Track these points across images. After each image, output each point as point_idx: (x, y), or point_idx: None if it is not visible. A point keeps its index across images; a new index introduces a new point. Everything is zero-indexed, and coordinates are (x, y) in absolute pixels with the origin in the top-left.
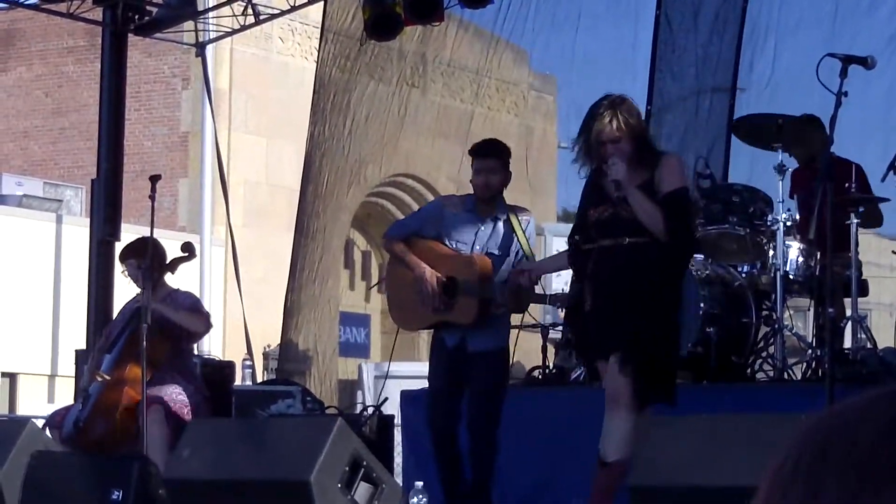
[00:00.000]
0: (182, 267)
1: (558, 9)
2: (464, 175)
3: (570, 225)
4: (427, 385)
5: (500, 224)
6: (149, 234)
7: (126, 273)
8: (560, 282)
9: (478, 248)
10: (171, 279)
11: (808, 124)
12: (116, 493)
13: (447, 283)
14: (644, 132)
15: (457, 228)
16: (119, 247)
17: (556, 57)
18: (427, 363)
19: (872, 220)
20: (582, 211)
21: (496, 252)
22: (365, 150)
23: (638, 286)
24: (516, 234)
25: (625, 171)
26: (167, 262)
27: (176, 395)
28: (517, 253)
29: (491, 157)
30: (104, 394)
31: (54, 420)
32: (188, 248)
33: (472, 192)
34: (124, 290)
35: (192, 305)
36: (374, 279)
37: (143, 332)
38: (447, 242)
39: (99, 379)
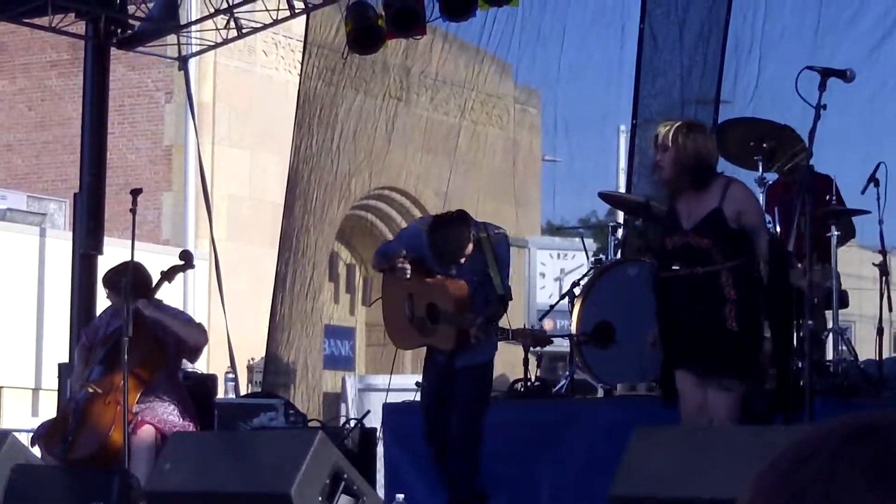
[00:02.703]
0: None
1: (543, 23)
2: (451, 190)
3: (555, 238)
4: (408, 399)
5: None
6: (131, 248)
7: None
8: (544, 294)
9: (454, 271)
10: (167, 289)
11: (786, 131)
12: None
13: (429, 308)
14: (704, 159)
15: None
16: (101, 261)
17: (541, 71)
18: (410, 376)
19: (847, 233)
20: (661, 238)
21: (471, 275)
22: (353, 164)
23: (715, 315)
24: (486, 257)
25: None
26: (163, 270)
27: (166, 416)
28: (483, 275)
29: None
30: (96, 410)
31: (40, 433)
32: (186, 257)
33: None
34: (107, 303)
35: (189, 318)
36: (359, 292)
37: (125, 343)
38: (427, 265)
39: (90, 390)
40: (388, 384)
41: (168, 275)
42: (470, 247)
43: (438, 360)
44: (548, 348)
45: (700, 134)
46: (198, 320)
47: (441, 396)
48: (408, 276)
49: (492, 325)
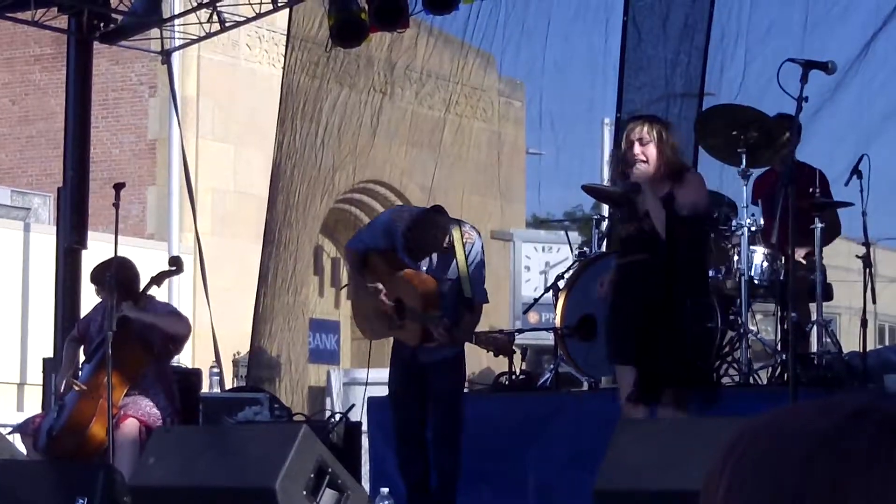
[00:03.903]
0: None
1: (528, 17)
2: (436, 184)
3: (540, 231)
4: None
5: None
6: (114, 243)
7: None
8: (529, 287)
9: (423, 267)
10: (155, 292)
11: (771, 120)
12: (81, 500)
13: (396, 304)
14: (674, 152)
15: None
16: (86, 255)
17: (525, 64)
18: None
19: (832, 230)
20: (616, 225)
21: (440, 272)
22: (337, 158)
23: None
24: (456, 258)
25: (647, 174)
26: (154, 275)
27: (150, 409)
28: (455, 275)
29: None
30: (79, 405)
31: (27, 428)
32: (176, 262)
33: (431, 204)
34: (91, 298)
35: (171, 311)
36: (344, 286)
37: (109, 338)
38: (399, 255)
39: (76, 388)
40: (376, 377)
41: (157, 279)
42: (446, 240)
43: (403, 353)
44: (533, 341)
45: (674, 129)
46: (182, 313)
47: (406, 388)
48: (386, 303)
49: (456, 327)
